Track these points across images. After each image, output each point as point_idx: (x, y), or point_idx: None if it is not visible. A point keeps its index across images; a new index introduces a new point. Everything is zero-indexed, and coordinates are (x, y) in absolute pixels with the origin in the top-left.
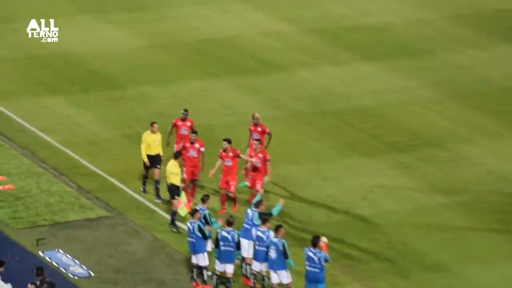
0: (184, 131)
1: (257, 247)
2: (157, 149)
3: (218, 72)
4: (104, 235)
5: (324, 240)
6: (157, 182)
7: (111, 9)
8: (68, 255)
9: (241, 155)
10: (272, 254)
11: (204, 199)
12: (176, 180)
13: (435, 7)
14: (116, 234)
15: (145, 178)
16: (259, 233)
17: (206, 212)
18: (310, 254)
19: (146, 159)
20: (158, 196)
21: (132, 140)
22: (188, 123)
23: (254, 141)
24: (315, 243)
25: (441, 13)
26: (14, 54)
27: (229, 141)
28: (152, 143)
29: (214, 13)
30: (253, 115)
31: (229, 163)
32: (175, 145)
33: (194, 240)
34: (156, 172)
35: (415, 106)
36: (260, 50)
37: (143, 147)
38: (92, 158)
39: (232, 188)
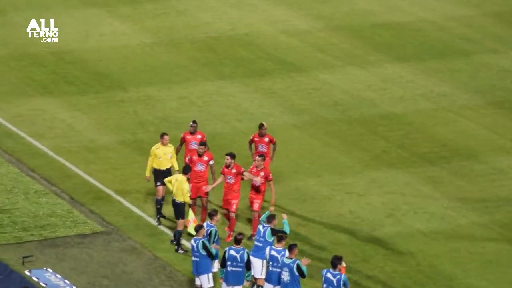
0: (194, 145)
1: (270, 268)
2: (168, 163)
3: (232, 73)
4: (99, 253)
5: (343, 264)
6: (162, 199)
7: (112, 1)
8: (57, 274)
9: (245, 173)
10: (285, 277)
11: (211, 214)
12: (188, 198)
13: (473, 3)
14: (112, 252)
15: (158, 204)
16: (274, 252)
17: (213, 229)
18: (329, 275)
19: (148, 174)
20: (160, 214)
21: (133, 147)
22: (199, 136)
23: (257, 157)
24: (335, 264)
25: (480, 10)
26: (2, 50)
27: (232, 155)
28: (162, 156)
29: (228, 7)
30: (262, 124)
31: (231, 180)
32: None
33: (198, 259)
34: (163, 188)
35: (448, 113)
36: (279, 49)
37: (150, 160)
38: (87, 167)
39: (234, 208)
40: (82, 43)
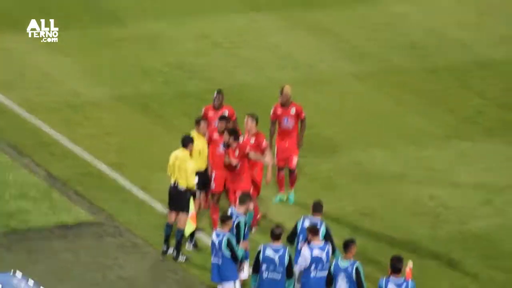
0: None
1: (312, 273)
2: (204, 162)
3: (269, 2)
4: (86, 251)
5: (409, 265)
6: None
7: None
8: (29, 280)
9: (251, 154)
10: (342, 284)
11: (242, 200)
12: (192, 181)
13: None
14: (104, 249)
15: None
16: (317, 252)
17: (242, 219)
18: (392, 286)
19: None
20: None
21: (134, 103)
22: (226, 112)
23: (247, 115)
24: (397, 268)
25: None
26: None
27: (232, 131)
28: (202, 150)
29: None
30: (282, 89)
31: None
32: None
33: (219, 262)
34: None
35: None
36: None
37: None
38: (71, 131)
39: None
40: None
